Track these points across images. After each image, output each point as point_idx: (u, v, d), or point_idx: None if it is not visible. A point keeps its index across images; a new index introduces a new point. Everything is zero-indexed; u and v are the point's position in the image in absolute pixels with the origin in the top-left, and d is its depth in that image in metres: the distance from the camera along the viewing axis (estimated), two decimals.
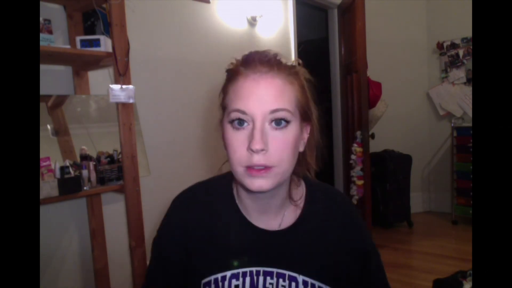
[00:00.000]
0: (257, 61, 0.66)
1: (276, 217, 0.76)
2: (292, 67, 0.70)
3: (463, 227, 3.52)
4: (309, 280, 0.73)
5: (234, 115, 0.66)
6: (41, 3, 1.60)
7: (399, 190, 3.58)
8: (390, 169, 3.53)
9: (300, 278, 0.73)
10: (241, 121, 0.66)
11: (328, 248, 0.75)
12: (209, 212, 0.78)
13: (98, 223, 1.78)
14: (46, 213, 1.64)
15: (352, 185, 3.20)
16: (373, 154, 3.46)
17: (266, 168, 0.65)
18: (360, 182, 3.09)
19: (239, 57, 0.72)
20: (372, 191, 3.19)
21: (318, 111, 0.74)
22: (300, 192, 0.78)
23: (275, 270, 0.73)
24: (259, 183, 0.65)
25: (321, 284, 0.73)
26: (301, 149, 0.72)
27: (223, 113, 0.71)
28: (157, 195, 1.96)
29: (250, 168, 0.65)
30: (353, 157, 3.14)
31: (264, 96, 0.64)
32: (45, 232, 1.64)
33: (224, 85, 0.71)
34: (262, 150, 0.63)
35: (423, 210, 4.09)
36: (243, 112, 0.65)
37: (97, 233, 1.78)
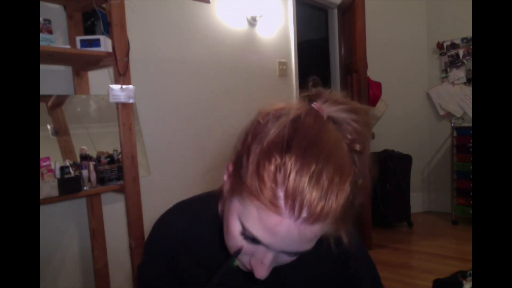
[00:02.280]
0: (308, 206, 0.47)
1: None
2: (345, 206, 0.51)
3: (463, 227, 3.52)
4: None
5: (249, 234, 0.53)
6: (41, 3, 1.60)
7: (399, 190, 3.58)
8: (390, 169, 3.53)
9: None
10: (254, 240, 0.53)
11: (318, 275, 0.71)
12: (193, 237, 0.71)
13: (98, 223, 1.78)
14: (46, 213, 1.64)
15: None
16: (373, 154, 3.45)
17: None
18: None
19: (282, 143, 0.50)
20: (372, 191, 3.19)
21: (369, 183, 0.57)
22: None
23: None
24: (257, 276, 0.58)
25: None
26: None
27: (236, 183, 0.55)
28: (157, 195, 1.96)
29: (247, 268, 0.58)
30: None
31: (294, 243, 0.51)
32: (45, 232, 1.64)
33: (254, 165, 0.51)
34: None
35: (423, 210, 4.09)
36: (262, 244, 0.53)
37: (97, 233, 1.78)
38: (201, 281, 0.71)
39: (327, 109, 0.55)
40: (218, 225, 0.67)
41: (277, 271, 0.61)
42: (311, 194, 0.47)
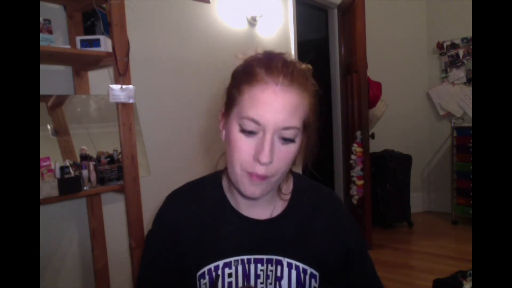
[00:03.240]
0: (281, 70, 0.66)
1: (265, 208, 0.79)
2: (306, 80, 0.69)
3: (463, 227, 3.52)
4: (294, 262, 0.76)
5: (248, 123, 0.66)
6: (41, 3, 1.60)
7: (399, 190, 3.58)
8: (390, 169, 3.53)
9: (285, 260, 0.77)
10: (252, 131, 0.66)
11: (313, 237, 0.79)
12: (199, 207, 0.80)
13: (98, 223, 1.78)
14: (46, 213, 1.64)
15: (352, 185, 3.20)
16: (373, 154, 3.46)
17: (264, 177, 0.68)
18: (360, 182, 3.09)
19: (259, 51, 0.72)
20: (372, 191, 3.19)
21: (318, 122, 0.74)
22: (289, 186, 0.82)
23: (264, 257, 0.77)
24: (253, 189, 0.69)
25: (305, 266, 0.77)
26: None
27: (230, 105, 0.71)
28: (157, 195, 1.95)
29: (250, 173, 0.68)
30: (353, 157, 3.14)
31: (280, 111, 0.65)
32: (45, 232, 1.64)
33: (239, 80, 0.70)
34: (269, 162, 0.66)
35: (423, 210, 4.09)
36: (257, 122, 0.65)
37: (97, 233, 1.78)
38: (202, 249, 0.77)
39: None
40: (222, 195, 0.80)
41: (278, 239, 0.76)
42: (283, 66, 0.66)
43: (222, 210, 0.79)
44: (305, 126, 0.70)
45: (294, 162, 0.75)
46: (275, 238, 0.78)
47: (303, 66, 0.72)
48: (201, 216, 0.79)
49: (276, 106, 0.64)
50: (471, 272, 1.91)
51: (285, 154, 0.68)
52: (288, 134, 0.66)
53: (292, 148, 0.68)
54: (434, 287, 2.22)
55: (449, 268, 2.49)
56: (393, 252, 3.05)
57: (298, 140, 0.69)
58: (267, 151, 0.65)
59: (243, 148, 0.67)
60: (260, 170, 0.66)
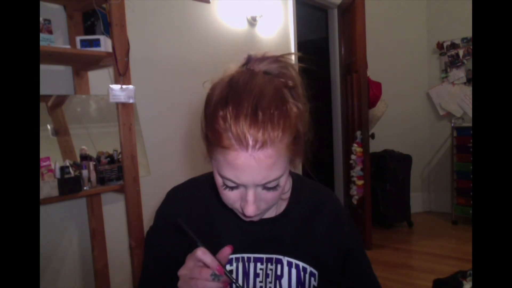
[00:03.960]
0: (250, 132, 0.58)
1: None
2: (286, 117, 0.61)
3: (463, 227, 3.52)
4: (294, 261, 0.77)
5: (228, 182, 0.64)
6: (41, 3, 1.60)
7: (399, 190, 3.58)
8: (390, 169, 3.53)
9: (285, 259, 0.77)
10: (234, 187, 0.65)
11: (312, 237, 0.79)
12: (200, 204, 0.81)
13: (98, 223, 1.78)
14: (46, 213, 1.64)
15: (352, 185, 3.20)
16: (373, 154, 3.46)
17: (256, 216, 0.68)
18: (360, 182, 3.09)
19: (224, 77, 0.65)
20: (372, 191, 3.19)
21: (311, 133, 0.70)
22: (287, 186, 0.82)
23: (264, 256, 0.77)
24: (249, 219, 0.69)
25: (305, 265, 0.77)
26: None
27: (208, 148, 0.66)
28: (157, 195, 1.95)
29: (242, 213, 0.68)
30: (353, 157, 3.14)
31: (258, 172, 0.61)
32: (45, 232, 1.64)
33: (209, 135, 0.63)
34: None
35: (423, 210, 4.09)
36: (235, 182, 0.63)
37: (97, 233, 1.78)
38: (206, 242, 0.76)
39: (257, 66, 0.67)
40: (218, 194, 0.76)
41: (278, 238, 0.77)
42: (251, 127, 0.58)
43: (222, 209, 0.78)
44: (294, 153, 0.66)
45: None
46: (275, 238, 0.78)
47: (284, 89, 0.64)
48: (201, 213, 0.80)
49: (250, 171, 0.61)
50: (471, 272, 1.91)
51: (272, 197, 0.67)
52: (270, 184, 0.64)
53: (279, 190, 0.67)
54: (434, 287, 2.22)
55: (449, 268, 2.50)
56: (393, 252, 3.05)
57: (285, 176, 0.66)
58: (250, 207, 0.64)
59: (230, 198, 0.67)
60: (248, 212, 0.66)
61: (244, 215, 0.67)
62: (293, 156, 0.65)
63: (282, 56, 0.69)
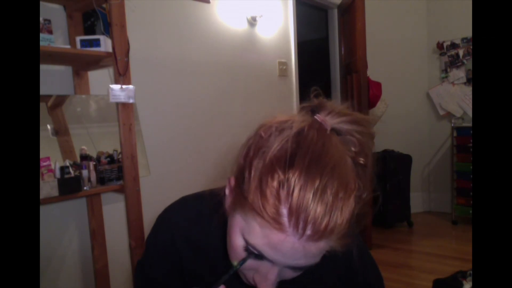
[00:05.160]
0: (309, 226, 0.46)
1: None
2: (345, 223, 0.49)
3: (463, 227, 3.52)
4: None
5: (251, 249, 0.52)
6: (41, 3, 1.60)
7: (399, 190, 3.58)
8: (390, 169, 3.53)
9: None
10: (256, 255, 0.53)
11: (327, 276, 0.70)
12: (197, 230, 0.70)
13: (98, 223, 1.78)
14: (46, 213, 1.64)
15: None
16: (373, 154, 3.45)
17: None
18: None
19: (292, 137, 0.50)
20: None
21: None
22: None
23: None
24: None
25: None
26: None
27: (238, 204, 0.53)
28: (157, 195, 1.96)
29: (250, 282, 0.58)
30: None
31: (297, 260, 0.50)
32: (45, 232, 1.64)
33: (252, 190, 0.50)
34: None
35: (423, 210, 4.09)
36: (267, 259, 0.52)
37: (97, 233, 1.78)
38: (205, 279, 0.69)
39: (330, 121, 0.54)
40: (222, 224, 0.64)
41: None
42: (316, 211, 0.46)
43: (221, 239, 0.65)
44: (344, 240, 0.53)
45: None
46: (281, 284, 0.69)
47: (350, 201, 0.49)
48: (198, 240, 0.70)
49: (293, 256, 0.49)
50: (471, 272, 1.91)
51: (292, 275, 0.55)
52: (300, 267, 0.53)
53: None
54: (434, 287, 2.22)
55: (449, 268, 2.50)
56: (393, 252, 3.05)
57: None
58: (269, 286, 0.53)
59: (247, 266, 0.54)
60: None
61: (251, 286, 0.57)
62: (339, 248, 0.52)
63: (364, 119, 0.56)
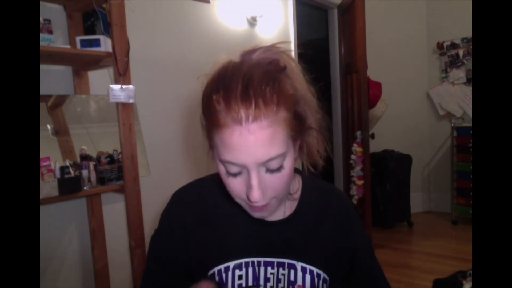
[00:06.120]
0: (241, 105, 0.58)
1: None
2: (280, 93, 0.60)
3: (463, 227, 3.53)
4: (308, 267, 0.75)
5: (229, 167, 0.62)
6: (41, 3, 1.60)
7: (399, 190, 3.58)
8: (390, 169, 3.53)
9: (299, 265, 0.75)
10: (236, 173, 0.63)
11: (322, 239, 0.77)
12: (207, 206, 0.78)
13: (98, 223, 1.78)
14: (46, 213, 1.64)
15: (352, 185, 3.20)
16: (373, 154, 3.46)
17: (266, 204, 0.65)
18: (360, 182, 3.09)
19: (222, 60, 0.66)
20: (372, 191, 3.19)
21: (318, 112, 0.70)
22: (296, 185, 0.80)
23: (275, 260, 0.75)
24: (258, 215, 0.68)
25: (319, 271, 0.75)
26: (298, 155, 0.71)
27: (208, 137, 0.66)
28: (157, 195, 1.96)
29: (249, 205, 0.66)
30: (353, 157, 3.14)
31: (255, 149, 0.59)
32: (45, 232, 1.64)
33: (206, 118, 0.64)
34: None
35: (423, 210, 4.09)
36: (235, 164, 0.61)
37: (97, 233, 1.78)
38: (212, 250, 0.75)
39: (248, 57, 0.66)
40: (231, 196, 0.72)
41: (288, 243, 0.74)
42: (242, 103, 0.58)
43: (230, 211, 0.76)
44: (298, 135, 0.65)
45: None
46: (286, 241, 0.75)
47: (275, 71, 0.63)
48: (209, 216, 0.77)
49: (248, 146, 0.59)
50: (471, 272, 1.91)
51: (278, 181, 0.64)
52: (273, 164, 0.61)
53: (284, 173, 0.64)
54: (434, 287, 2.23)
55: (449, 268, 2.50)
56: (393, 252, 3.05)
57: (289, 158, 0.64)
58: (256, 192, 0.61)
59: (235, 189, 0.65)
60: (257, 203, 0.64)
61: (252, 208, 0.65)
62: (294, 133, 0.63)
63: (272, 45, 0.67)
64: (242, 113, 0.57)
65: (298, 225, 0.76)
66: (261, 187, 0.62)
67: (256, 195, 0.61)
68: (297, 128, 0.64)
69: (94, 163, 1.55)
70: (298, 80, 0.66)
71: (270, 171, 0.62)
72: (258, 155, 0.59)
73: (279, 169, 0.62)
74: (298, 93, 0.64)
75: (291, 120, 0.62)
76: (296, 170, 0.79)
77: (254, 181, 0.61)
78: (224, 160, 0.62)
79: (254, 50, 0.66)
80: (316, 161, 0.74)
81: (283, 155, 0.62)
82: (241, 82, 0.59)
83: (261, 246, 0.75)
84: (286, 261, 0.75)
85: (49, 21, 1.48)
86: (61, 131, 1.64)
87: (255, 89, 0.58)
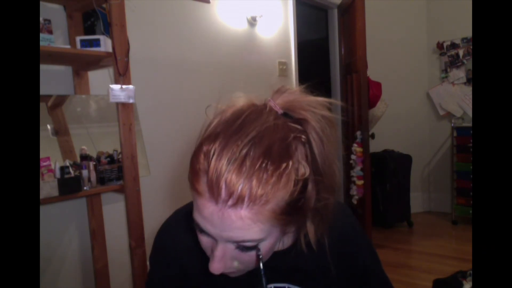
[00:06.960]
0: (224, 184, 0.47)
1: None
2: (282, 174, 0.49)
3: (463, 227, 3.52)
4: None
5: (196, 225, 0.54)
6: (41, 3, 1.60)
7: (399, 190, 3.58)
8: (390, 169, 3.53)
9: None
10: (203, 231, 0.55)
11: (328, 262, 0.71)
12: (193, 244, 0.69)
13: (98, 223, 1.78)
14: (46, 213, 1.64)
15: (352, 185, 3.20)
16: (373, 154, 3.46)
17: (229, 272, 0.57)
18: (360, 182, 3.09)
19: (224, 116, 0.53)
20: (372, 191, 3.19)
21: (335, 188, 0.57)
22: (288, 240, 0.70)
23: (286, 285, 0.70)
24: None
25: None
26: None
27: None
28: (157, 195, 1.96)
29: None
30: (353, 157, 3.14)
31: (225, 230, 0.50)
32: (45, 232, 1.64)
33: (190, 167, 0.53)
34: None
35: (423, 210, 4.09)
36: (203, 230, 0.53)
37: (97, 233, 1.78)
38: (207, 282, 0.70)
39: (275, 100, 0.54)
40: None
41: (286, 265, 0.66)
42: (230, 176, 0.47)
43: None
44: (283, 226, 0.53)
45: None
46: (290, 268, 0.69)
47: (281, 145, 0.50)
48: (195, 255, 0.69)
49: (218, 225, 0.50)
50: (471, 272, 1.91)
51: (248, 259, 0.54)
52: (246, 244, 0.52)
53: (260, 253, 0.54)
54: (434, 287, 2.22)
55: (449, 268, 2.50)
56: (393, 252, 3.05)
57: (268, 242, 0.54)
58: (216, 264, 0.53)
59: (202, 243, 0.57)
60: (212, 268, 0.55)
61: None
62: (283, 226, 0.53)
63: (307, 99, 0.55)
64: (223, 192, 0.47)
65: (300, 252, 0.67)
66: (224, 260, 0.54)
67: (214, 266, 0.54)
68: (287, 221, 0.52)
69: (94, 163, 1.55)
70: (322, 154, 0.53)
71: (241, 248, 0.53)
72: (229, 235, 0.51)
73: (252, 249, 0.53)
74: (312, 173, 0.52)
75: (281, 214, 0.50)
76: None
77: (217, 253, 0.53)
78: (195, 221, 0.54)
79: (283, 91, 0.56)
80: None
81: (260, 240, 0.52)
82: (245, 144, 0.48)
83: (270, 272, 0.68)
84: (292, 287, 0.70)
85: (49, 21, 1.48)
86: (61, 131, 1.64)
87: (253, 163, 0.47)
